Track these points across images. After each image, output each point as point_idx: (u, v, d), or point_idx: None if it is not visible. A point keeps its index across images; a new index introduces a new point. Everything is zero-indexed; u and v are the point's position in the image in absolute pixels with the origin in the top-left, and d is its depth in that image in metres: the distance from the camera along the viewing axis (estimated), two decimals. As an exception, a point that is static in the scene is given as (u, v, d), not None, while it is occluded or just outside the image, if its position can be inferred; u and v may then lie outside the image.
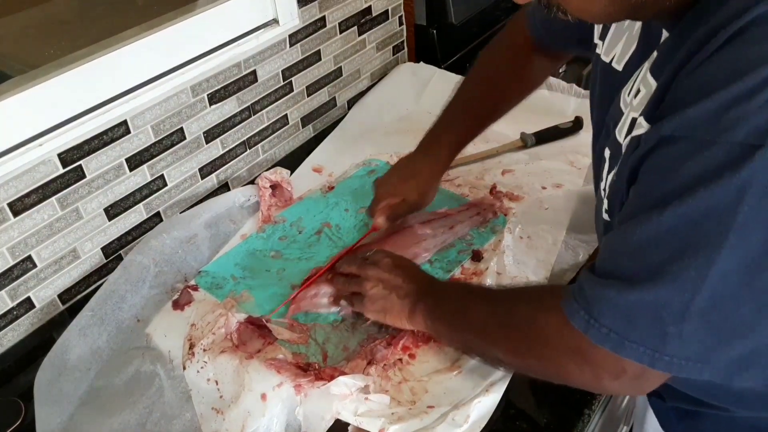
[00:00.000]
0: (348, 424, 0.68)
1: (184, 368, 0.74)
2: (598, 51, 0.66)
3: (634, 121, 0.53)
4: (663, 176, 0.47)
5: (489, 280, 0.82)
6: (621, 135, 0.56)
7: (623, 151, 0.55)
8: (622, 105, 0.57)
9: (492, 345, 0.64)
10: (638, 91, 0.54)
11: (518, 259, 0.86)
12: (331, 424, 0.68)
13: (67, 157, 0.80)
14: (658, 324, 0.48)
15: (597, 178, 0.65)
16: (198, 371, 0.73)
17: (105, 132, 0.84)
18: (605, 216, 0.62)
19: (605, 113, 0.62)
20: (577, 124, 1.10)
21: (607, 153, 0.60)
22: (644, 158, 0.49)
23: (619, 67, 0.61)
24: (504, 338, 0.63)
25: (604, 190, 0.61)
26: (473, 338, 0.66)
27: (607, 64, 0.64)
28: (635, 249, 0.49)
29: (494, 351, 0.64)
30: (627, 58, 0.60)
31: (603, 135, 0.62)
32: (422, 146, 0.92)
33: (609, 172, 0.59)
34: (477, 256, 0.87)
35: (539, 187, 0.99)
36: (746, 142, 0.41)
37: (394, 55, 1.32)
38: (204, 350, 0.75)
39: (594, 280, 0.52)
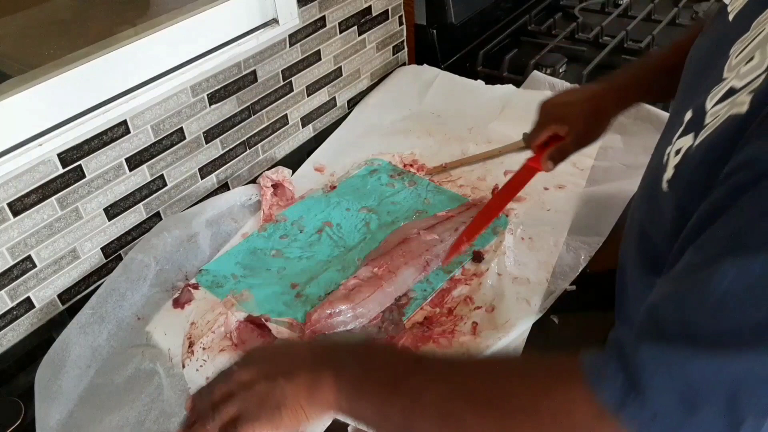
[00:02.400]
0: (347, 424, 0.67)
1: (183, 366, 0.74)
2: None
3: (732, 91, 0.43)
4: (763, 217, 0.35)
5: (490, 281, 0.82)
6: (711, 101, 0.45)
7: (706, 121, 0.44)
8: (725, 69, 0.46)
9: None
10: (751, 58, 0.42)
11: (519, 260, 0.85)
12: (329, 423, 0.67)
13: (66, 157, 0.80)
14: (734, 409, 0.34)
15: (665, 141, 0.53)
16: (197, 369, 0.73)
17: (105, 132, 0.84)
18: (665, 186, 0.49)
19: (704, 69, 0.50)
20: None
21: (687, 115, 0.48)
22: (741, 189, 0.37)
23: (731, 17, 0.50)
24: (495, 425, 0.41)
25: (668, 154, 0.49)
26: (430, 425, 0.44)
27: (726, 12, 0.52)
28: (719, 300, 0.35)
29: None
30: (741, 6, 0.49)
31: (690, 94, 0.51)
32: (603, 79, 0.82)
33: (680, 137, 0.48)
34: (478, 257, 0.87)
35: (541, 188, 0.98)
36: None
37: (394, 55, 1.32)
38: (203, 349, 0.75)
39: (644, 338, 0.37)
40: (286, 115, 1.12)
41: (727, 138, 0.40)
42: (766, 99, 0.38)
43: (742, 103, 0.40)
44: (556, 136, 0.83)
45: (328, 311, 0.77)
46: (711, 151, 0.42)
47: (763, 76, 0.39)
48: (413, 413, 0.44)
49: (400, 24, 1.30)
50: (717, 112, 0.43)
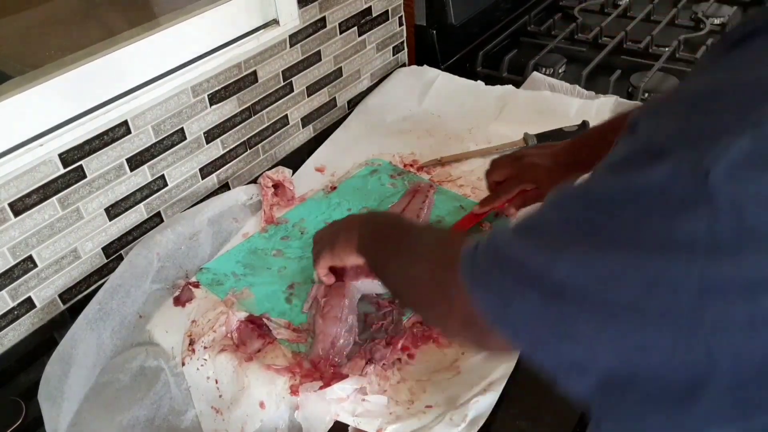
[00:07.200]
0: (348, 425, 0.68)
1: (183, 364, 0.74)
2: None
3: None
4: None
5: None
6: None
7: None
8: None
9: (405, 300, 0.69)
10: None
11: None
12: (330, 425, 0.68)
13: (67, 157, 0.81)
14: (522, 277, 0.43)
15: None
16: (198, 368, 0.73)
17: (106, 132, 0.84)
18: None
19: None
20: (582, 128, 1.09)
21: None
22: None
23: None
24: (411, 296, 0.64)
25: None
26: (392, 286, 0.69)
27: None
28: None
29: (408, 303, 0.70)
30: None
31: None
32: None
33: None
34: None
35: (540, 188, 0.98)
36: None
37: (394, 55, 1.32)
38: (204, 348, 0.75)
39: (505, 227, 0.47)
40: (286, 115, 1.12)
41: None
42: None
43: None
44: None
45: (329, 341, 0.74)
46: None
47: None
48: (384, 265, 0.68)
49: (400, 24, 1.30)
50: None
